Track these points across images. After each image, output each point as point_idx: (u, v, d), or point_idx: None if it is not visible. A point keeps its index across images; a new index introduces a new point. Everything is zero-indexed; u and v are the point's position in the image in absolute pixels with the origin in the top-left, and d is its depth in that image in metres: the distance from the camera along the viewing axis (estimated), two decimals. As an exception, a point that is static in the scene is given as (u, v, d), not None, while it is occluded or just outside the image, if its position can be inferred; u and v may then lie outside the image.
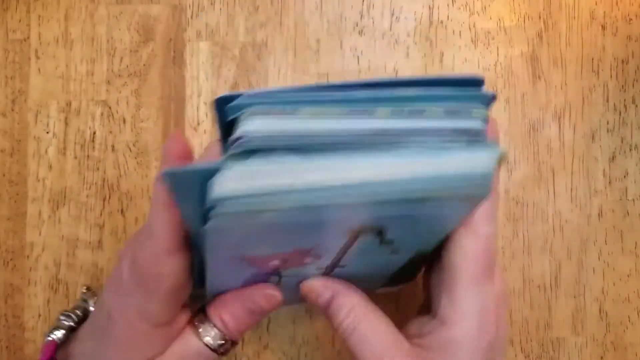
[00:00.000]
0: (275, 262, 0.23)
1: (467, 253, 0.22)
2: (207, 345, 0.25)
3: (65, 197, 0.34)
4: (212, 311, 0.25)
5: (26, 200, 0.34)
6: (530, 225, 0.34)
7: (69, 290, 0.34)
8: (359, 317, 0.23)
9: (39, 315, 0.34)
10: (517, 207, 0.34)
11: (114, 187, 0.34)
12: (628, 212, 0.33)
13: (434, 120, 0.18)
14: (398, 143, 0.18)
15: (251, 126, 0.17)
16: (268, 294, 0.25)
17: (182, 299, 0.24)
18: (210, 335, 0.25)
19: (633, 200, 0.33)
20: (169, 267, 0.22)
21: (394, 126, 0.18)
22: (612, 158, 0.34)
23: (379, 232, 0.21)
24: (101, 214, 0.34)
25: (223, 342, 0.25)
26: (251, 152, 0.17)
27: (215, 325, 0.25)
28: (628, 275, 0.33)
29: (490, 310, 0.23)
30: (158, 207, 0.22)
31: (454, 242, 0.23)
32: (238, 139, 0.17)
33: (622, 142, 0.34)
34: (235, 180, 0.16)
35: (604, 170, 0.34)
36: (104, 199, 0.34)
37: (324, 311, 0.24)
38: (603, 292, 0.33)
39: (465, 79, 0.19)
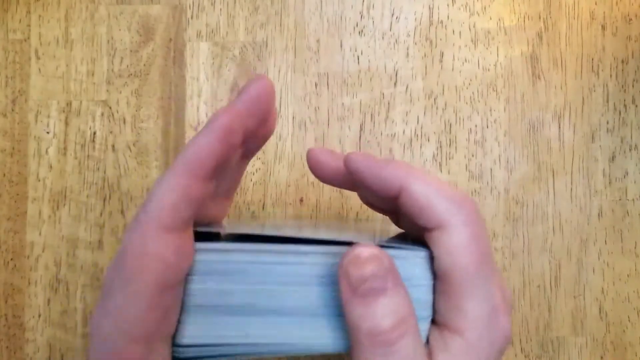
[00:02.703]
0: None
1: (457, 248, 0.20)
2: None
3: (65, 197, 0.34)
4: None
5: (26, 200, 0.34)
6: (530, 225, 0.34)
7: (69, 290, 0.34)
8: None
9: (39, 315, 0.34)
10: (517, 207, 0.34)
11: (114, 187, 0.34)
12: (628, 212, 0.33)
13: None
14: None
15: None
16: None
17: (171, 307, 0.20)
18: None
19: (633, 200, 0.33)
20: (158, 247, 0.18)
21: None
22: (612, 158, 0.34)
23: None
24: (101, 214, 0.34)
25: None
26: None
27: None
28: (628, 275, 0.33)
29: (500, 306, 0.20)
30: (178, 166, 0.19)
31: (433, 244, 0.20)
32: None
33: (622, 142, 0.34)
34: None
35: (603, 170, 0.34)
36: (104, 199, 0.34)
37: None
38: (603, 292, 0.33)
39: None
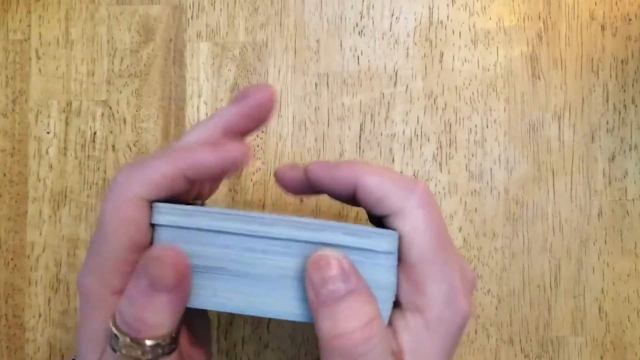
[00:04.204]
0: None
1: (413, 230, 0.21)
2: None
3: (65, 197, 0.34)
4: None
5: (27, 200, 0.34)
6: (530, 225, 0.34)
7: (69, 290, 0.34)
8: None
9: (40, 315, 0.34)
10: (517, 206, 0.34)
11: (114, 187, 0.34)
12: (628, 212, 0.33)
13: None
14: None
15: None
16: None
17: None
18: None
19: (633, 200, 0.33)
20: (132, 212, 0.20)
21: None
22: (612, 158, 0.34)
23: None
24: (102, 214, 0.34)
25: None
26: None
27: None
28: (628, 275, 0.33)
29: (458, 286, 0.21)
30: (173, 151, 0.21)
31: (394, 226, 0.21)
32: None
33: (621, 142, 0.34)
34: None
35: (603, 170, 0.34)
36: (105, 199, 0.34)
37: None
38: (603, 292, 0.33)
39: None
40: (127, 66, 0.35)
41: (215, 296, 0.21)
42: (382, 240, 0.21)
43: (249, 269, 0.21)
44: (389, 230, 0.21)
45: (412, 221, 0.21)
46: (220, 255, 0.21)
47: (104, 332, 0.21)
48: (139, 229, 0.21)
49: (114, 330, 0.20)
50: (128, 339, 0.19)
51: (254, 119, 0.24)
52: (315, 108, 0.34)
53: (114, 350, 0.20)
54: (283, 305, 0.21)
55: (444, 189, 0.34)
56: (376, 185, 0.21)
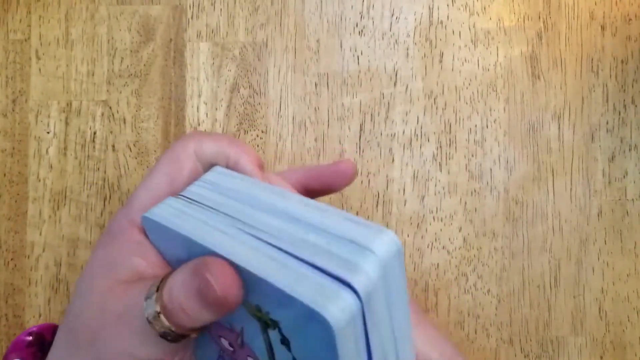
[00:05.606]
0: (225, 344, 0.22)
1: None
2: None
3: (65, 197, 0.34)
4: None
5: (27, 200, 0.34)
6: (530, 225, 0.34)
7: (69, 289, 0.34)
8: None
9: (40, 315, 0.34)
10: (517, 207, 0.34)
11: (114, 187, 0.34)
12: (627, 212, 0.33)
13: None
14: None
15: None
16: None
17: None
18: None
19: (632, 200, 0.34)
20: (186, 158, 0.23)
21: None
22: (612, 158, 0.34)
23: (275, 325, 0.20)
24: (102, 214, 0.34)
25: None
26: None
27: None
28: (627, 275, 0.33)
29: None
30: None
31: None
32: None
33: (621, 142, 0.34)
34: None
35: (603, 170, 0.34)
36: (105, 199, 0.34)
37: None
38: (602, 292, 0.33)
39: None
40: (127, 66, 0.35)
41: (203, 239, 0.20)
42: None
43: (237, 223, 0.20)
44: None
45: None
46: (224, 201, 0.21)
47: (115, 259, 0.21)
48: (181, 172, 0.23)
49: (155, 302, 0.19)
50: (164, 319, 0.19)
51: (331, 178, 0.26)
52: (315, 108, 0.34)
53: (147, 307, 0.19)
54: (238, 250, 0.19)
55: (443, 189, 0.34)
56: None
